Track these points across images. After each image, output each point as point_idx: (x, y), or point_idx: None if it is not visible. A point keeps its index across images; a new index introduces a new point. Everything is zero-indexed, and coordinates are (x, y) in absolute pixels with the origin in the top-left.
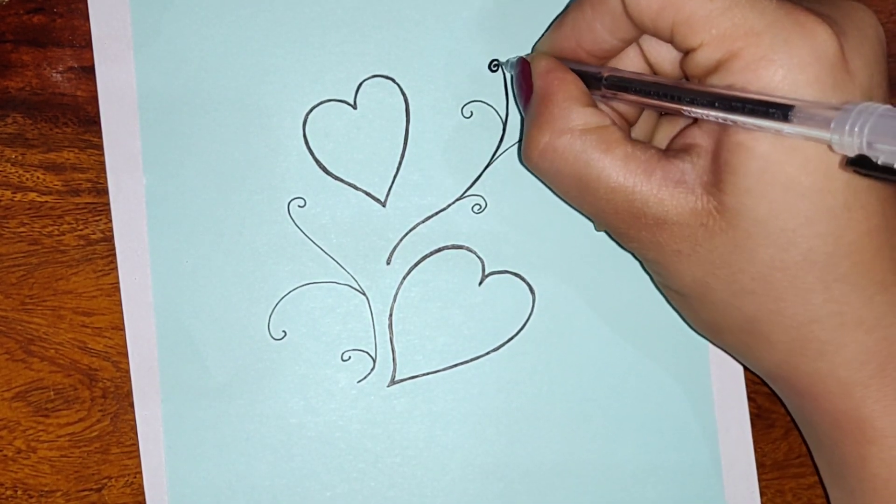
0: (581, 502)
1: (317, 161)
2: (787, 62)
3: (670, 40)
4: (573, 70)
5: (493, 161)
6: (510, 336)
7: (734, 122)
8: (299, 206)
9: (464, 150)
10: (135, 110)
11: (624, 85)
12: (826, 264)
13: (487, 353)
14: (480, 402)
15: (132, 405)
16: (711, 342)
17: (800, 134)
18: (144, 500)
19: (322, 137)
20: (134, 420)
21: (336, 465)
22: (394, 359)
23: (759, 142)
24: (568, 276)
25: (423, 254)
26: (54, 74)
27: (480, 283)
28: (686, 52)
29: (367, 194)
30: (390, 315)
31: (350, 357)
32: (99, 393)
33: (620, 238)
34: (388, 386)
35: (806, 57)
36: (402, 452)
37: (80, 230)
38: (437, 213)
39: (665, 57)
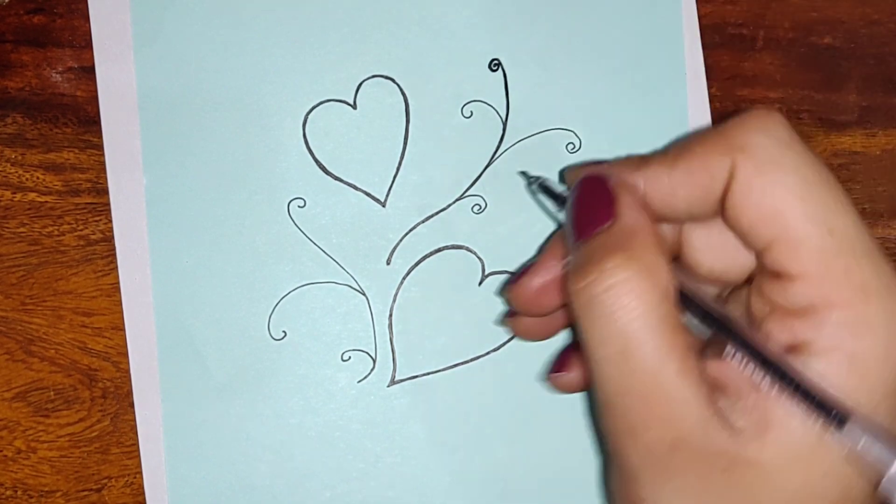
0: (581, 502)
1: (317, 161)
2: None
3: (758, 252)
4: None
5: (493, 161)
6: (510, 336)
7: (785, 399)
8: (299, 207)
9: (464, 150)
10: (135, 110)
11: (687, 303)
12: None
13: (487, 353)
14: (480, 402)
15: (132, 405)
16: None
17: (843, 445)
18: (144, 500)
19: (322, 137)
20: (134, 420)
21: (336, 465)
22: (394, 359)
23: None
24: None
25: (423, 254)
26: (54, 74)
27: (480, 283)
28: (772, 274)
29: (367, 194)
30: (390, 315)
31: (350, 357)
32: (99, 393)
33: (609, 418)
34: (388, 386)
35: None
36: (402, 452)
37: (80, 230)
38: (436, 213)
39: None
